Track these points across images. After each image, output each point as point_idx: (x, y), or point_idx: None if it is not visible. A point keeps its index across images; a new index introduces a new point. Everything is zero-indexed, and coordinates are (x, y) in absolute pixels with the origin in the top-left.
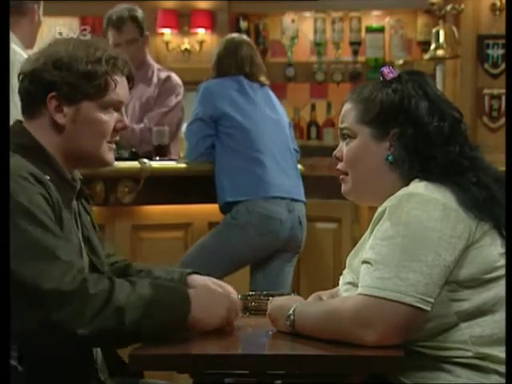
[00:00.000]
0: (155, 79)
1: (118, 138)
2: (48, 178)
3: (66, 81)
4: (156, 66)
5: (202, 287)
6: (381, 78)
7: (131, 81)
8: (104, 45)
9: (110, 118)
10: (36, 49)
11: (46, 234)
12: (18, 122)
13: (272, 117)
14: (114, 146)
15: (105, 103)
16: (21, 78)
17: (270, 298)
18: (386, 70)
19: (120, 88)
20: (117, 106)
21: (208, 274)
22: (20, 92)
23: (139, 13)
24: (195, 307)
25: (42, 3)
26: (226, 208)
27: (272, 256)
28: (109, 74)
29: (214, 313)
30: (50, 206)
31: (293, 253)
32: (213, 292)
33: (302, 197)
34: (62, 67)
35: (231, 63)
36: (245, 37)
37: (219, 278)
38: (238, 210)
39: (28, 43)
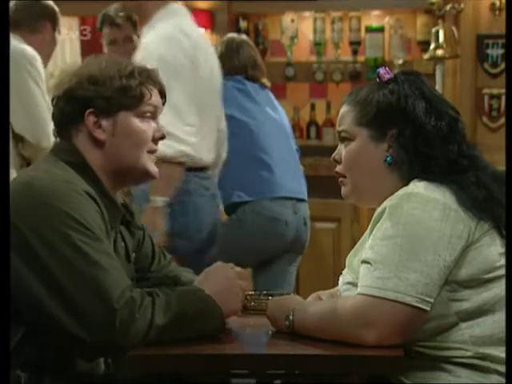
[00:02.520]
0: None
1: (155, 147)
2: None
3: (101, 95)
4: None
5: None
6: (377, 79)
7: (164, 96)
8: (134, 62)
9: (147, 127)
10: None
11: (99, 250)
12: (62, 138)
13: (274, 117)
14: (154, 157)
15: (141, 112)
16: (54, 101)
17: (270, 297)
18: (382, 70)
19: (155, 97)
20: (153, 114)
21: None
22: (54, 115)
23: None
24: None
25: (59, 21)
26: (231, 209)
27: (276, 257)
28: (143, 85)
29: (235, 298)
30: (104, 223)
31: (297, 253)
32: (224, 281)
33: (306, 196)
34: (97, 83)
35: (233, 64)
36: (245, 37)
37: None
38: (245, 211)
39: (42, 59)
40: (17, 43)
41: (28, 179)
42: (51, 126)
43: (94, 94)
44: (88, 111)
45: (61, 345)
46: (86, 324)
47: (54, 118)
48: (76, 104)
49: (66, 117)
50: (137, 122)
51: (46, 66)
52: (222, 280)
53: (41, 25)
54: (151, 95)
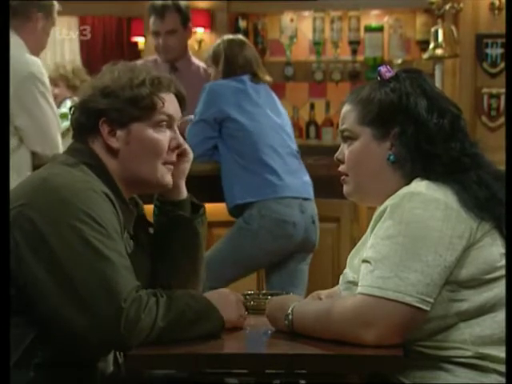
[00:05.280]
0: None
1: (174, 158)
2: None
3: (113, 107)
4: (195, 60)
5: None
6: (378, 78)
7: (182, 100)
8: (148, 68)
9: (163, 137)
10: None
11: (111, 248)
12: (79, 141)
13: (274, 118)
14: (171, 167)
15: (155, 122)
16: (72, 110)
17: (269, 297)
18: (383, 69)
19: (168, 105)
20: (168, 123)
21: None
22: (72, 122)
23: (183, 3)
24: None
25: (53, 12)
26: (236, 211)
27: (287, 257)
28: (154, 94)
29: (232, 311)
30: (119, 224)
31: (307, 252)
32: (222, 296)
33: (312, 195)
34: (110, 95)
35: (238, 63)
36: (243, 37)
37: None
38: (251, 214)
39: (32, 50)
40: (19, 54)
41: (46, 176)
42: (60, 137)
43: (106, 106)
44: (102, 120)
45: (66, 341)
46: (92, 319)
47: (72, 125)
48: (90, 114)
49: (82, 126)
50: (151, 133)
51: (38, 55)
52: (218, 295)
53: (31, 13)
54: (164, 104)
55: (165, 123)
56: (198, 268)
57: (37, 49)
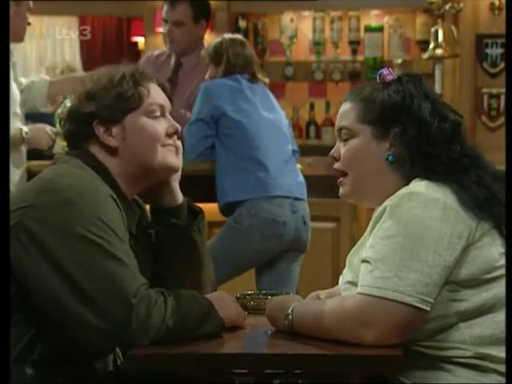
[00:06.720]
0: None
1: (171, 141)
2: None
3: (102, 106)
4: None
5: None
6: (379, 81)
7: (167, 92)
8: (128, 65)
9: (157, 124)
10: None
11: (118, 247)
12: (75, 150)
13: (270, 117)
14: (173, 148)
15: (147, 111)
16: (62, 123)
17: (269, 297)
18: (385, 71)
19: (155, 93)
20: (160, 112)
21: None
22: (65, 134)
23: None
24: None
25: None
26: (227, 209)
27: (278, 256)
28: (137, 85)
29: (231, 309)
30: (124, 224)
31: (298, 252)
32: (220, 296)
33: (305, 195)
34: (95, 97)
35: (240, 63)
36: (242, 37)
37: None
38: (241, 214)
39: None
40: None
41: (52, 177)
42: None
43: (94, 108)
44: (95, 122)
45: (75, 338)
46: (102, 318)
47: (65, 136)
48: (81, 121)
49: (76, 134)
50: (145, 121)
51: (20, 41)
52: (216, 296)
53: None
54: (149, 92)
55: (157, 113)
56: (198, 274)
57: (13, 37)
